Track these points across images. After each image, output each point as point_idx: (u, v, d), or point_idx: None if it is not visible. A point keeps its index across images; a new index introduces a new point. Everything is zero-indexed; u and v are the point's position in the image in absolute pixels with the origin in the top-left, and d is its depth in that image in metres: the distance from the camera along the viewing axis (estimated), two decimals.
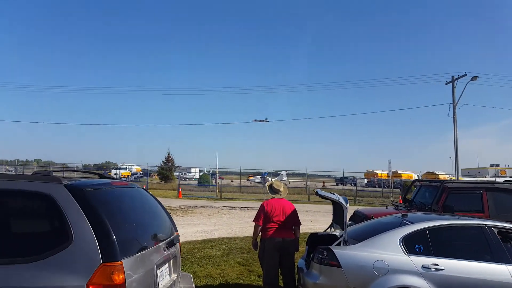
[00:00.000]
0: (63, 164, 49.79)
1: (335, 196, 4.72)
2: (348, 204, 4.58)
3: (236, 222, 14.30)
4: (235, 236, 10.94)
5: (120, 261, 2.49)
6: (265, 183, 37.45)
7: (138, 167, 48.94)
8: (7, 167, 51.15)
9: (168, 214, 3.80)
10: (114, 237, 2.53)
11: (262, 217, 5.14)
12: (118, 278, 2.44)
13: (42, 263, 2.43)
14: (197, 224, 13.42)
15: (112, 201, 3.05)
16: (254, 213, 5.52)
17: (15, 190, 2.73)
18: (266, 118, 41.60)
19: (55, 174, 2.95)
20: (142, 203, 3.48)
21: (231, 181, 49.32)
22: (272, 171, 40.10)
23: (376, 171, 56.88)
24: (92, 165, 48.46)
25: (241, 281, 6.39)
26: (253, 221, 5.27)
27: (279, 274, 5.26)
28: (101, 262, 2.44)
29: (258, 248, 5.38)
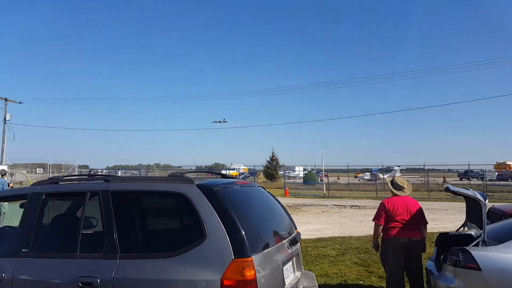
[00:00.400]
0: (179, 166, 54.84)
1: (470, 192, 4.27)
2: (487, 201, 4.11)
3: (348, 221, 13.98)
4: (348, 236, 10.70)
5: (251, 257, 2.60)
6: (376, 180, 35.84)
7: (245, 167, 51.37)
8: (133, 171, 58.38)
9: (287, 212, 3.89)
10: (244, 233, 2.67)
11: (384, 216, 4.92)
12: (249, 274, 2.55)
13: (181, 258, 2.67)
14: (307, 223, 13.49)
15: (238, 199, 3.22)
16: (367, 212, 5.32)
17: (156, 191, 3.07)
18: (224, 119, 40.55)
19: (187, 175, 3.24)
20: (263, 202, 3.62)
21: (338, 178, 48.35)
22: (383, 167, 38.15)
23: (508, 163, 50.17)
24: (204, 166, 52.29)
25: (361, 282, 6.21)
26: (373, 220, 5.07)
27: (404, 276, 4.98)
28: (233, 258, 2.58)
29: (380, 248, 5.17)
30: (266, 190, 3.92)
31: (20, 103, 34.18)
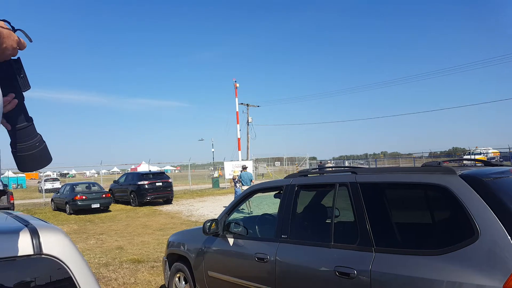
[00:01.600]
0: (409, 154, 52.31)
1: None
2: None
3: None
4: None
5: None
6: None
7: (495, 151, 44.21)
8: (360, 161, 59.29)
9: None
10: None
11: None
12: None
13: (446, 257, 2.47)
14: None
15: None
16: None
17: (410, 182, 2.95)
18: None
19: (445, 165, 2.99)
20: None
21: None
22: None
23: None
24: (439, 152, 48.21)
25: None
26: None
27: None
28: None
29: None
30: None
31: (258, 106, 40.40)
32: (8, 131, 1.48)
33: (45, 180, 34.53)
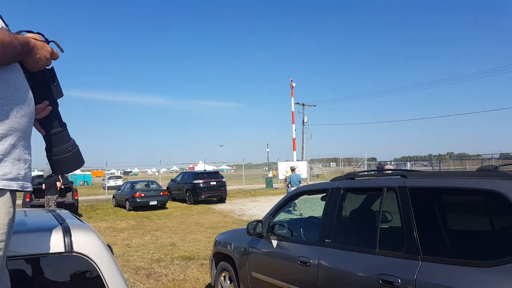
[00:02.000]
0: (477, 155, 49.09)
1: None
2: None
3: None
4: None
5: None
6: None
7: None
8: (423, 162, 56.47)
9: None
10: None
11: None
12: None
13: (500, 269, 2.28)
14: None
15: None
16: None
17: (462, 188, 2.76)
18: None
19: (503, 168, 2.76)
20: None
21: None
22: None
23: None
24: (511, 153, 44.92)
25: None
26: None
27: None
28: None
29: None
30: None
31: (314, 106, 39.90)
32: (43, 136, 1.57)
33: (109, 178, 36.61)
